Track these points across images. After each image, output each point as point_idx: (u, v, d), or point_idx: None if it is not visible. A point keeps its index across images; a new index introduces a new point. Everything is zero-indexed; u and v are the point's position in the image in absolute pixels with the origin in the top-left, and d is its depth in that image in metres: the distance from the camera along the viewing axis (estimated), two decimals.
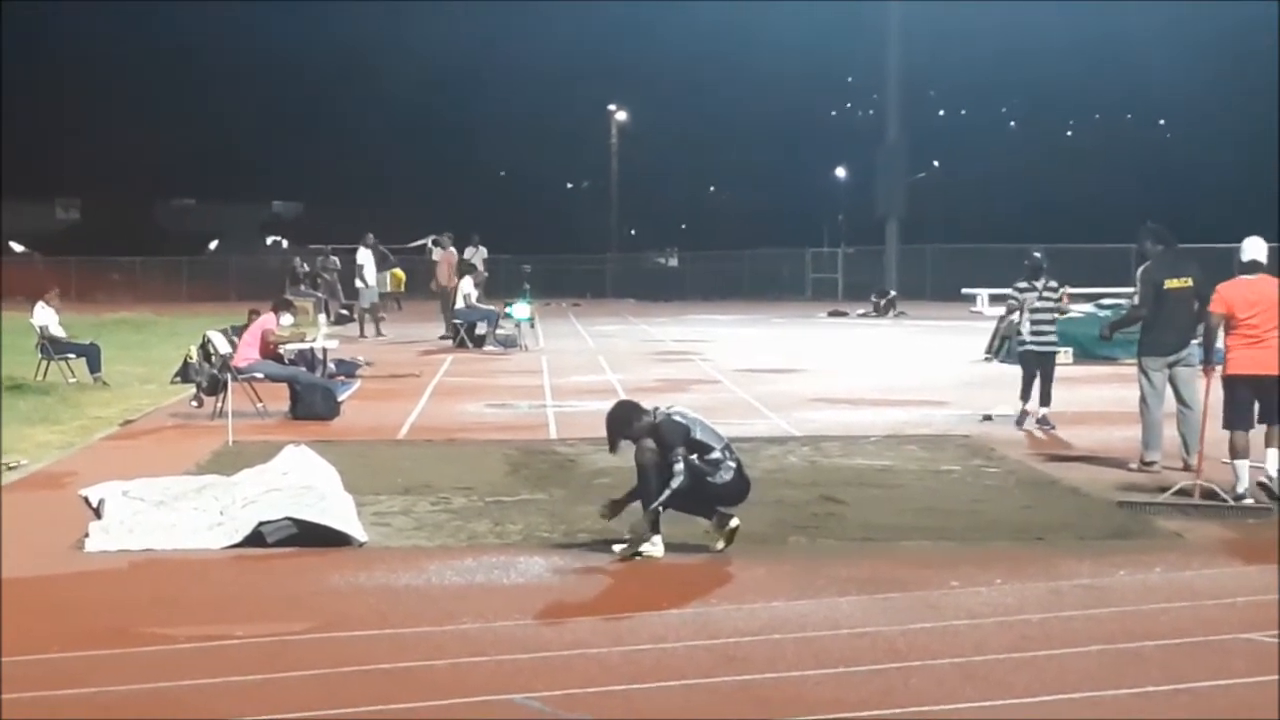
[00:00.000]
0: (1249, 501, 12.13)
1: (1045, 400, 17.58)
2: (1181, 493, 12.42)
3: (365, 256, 37.34)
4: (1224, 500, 12.08)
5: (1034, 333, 17.67)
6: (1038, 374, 17.55)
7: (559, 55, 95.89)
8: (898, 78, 62.99)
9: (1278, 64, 68.57)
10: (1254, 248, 12.74)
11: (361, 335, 35.31)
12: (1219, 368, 12.58)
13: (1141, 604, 8.83)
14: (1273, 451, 12.40)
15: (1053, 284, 17.67)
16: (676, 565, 9.93)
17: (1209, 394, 12.80)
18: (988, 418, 18.13)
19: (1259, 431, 12.45)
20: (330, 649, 7.92)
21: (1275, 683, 7.18)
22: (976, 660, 7.61)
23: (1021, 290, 17.76)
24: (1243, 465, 12.32)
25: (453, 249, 37.30)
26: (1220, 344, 12.62)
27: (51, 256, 68.65)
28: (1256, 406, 12.44)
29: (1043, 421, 17.43)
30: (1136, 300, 14.42)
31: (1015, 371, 20.16)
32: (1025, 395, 17.64)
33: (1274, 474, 12.36)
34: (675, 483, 9.91)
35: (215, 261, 78.00)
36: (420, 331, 35.74)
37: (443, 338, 34.41)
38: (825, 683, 7.23)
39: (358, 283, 37.43)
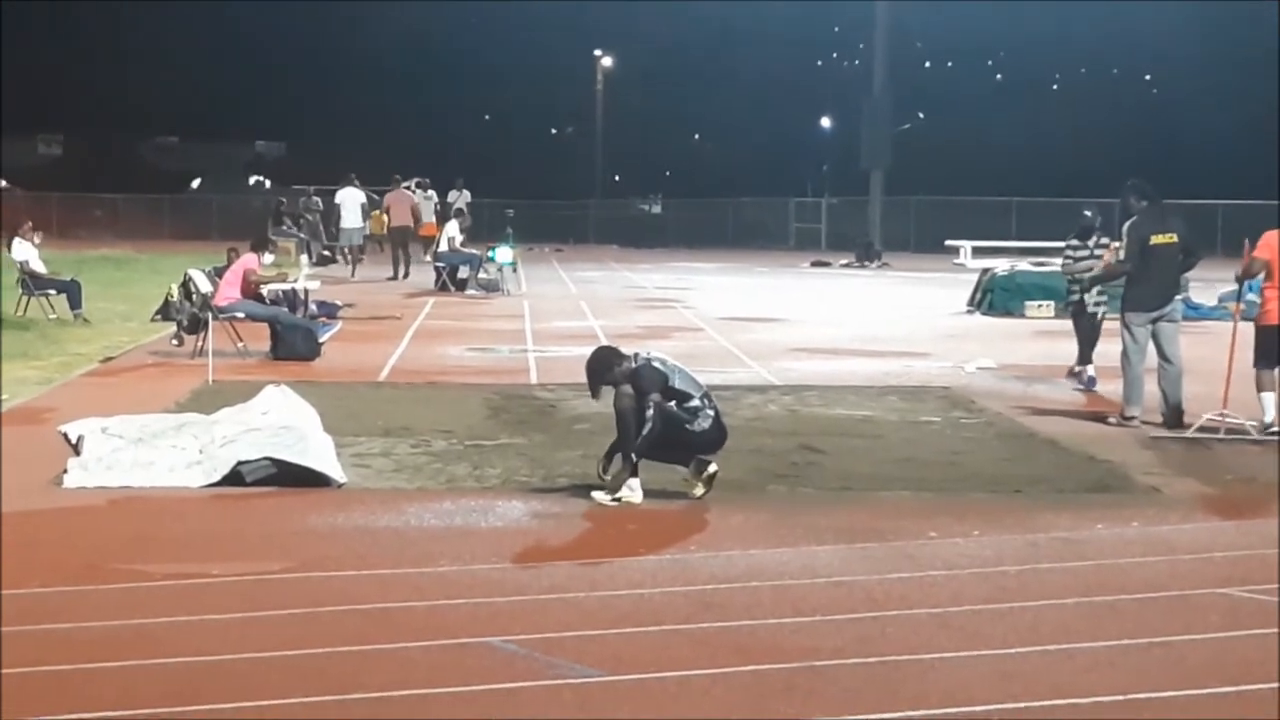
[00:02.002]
0: (1276, 430, 12.75)
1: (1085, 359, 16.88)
2: (1205, 429, 12.98)
3: (349, 196, 37.22)
4: (1249, 434, 12.71)
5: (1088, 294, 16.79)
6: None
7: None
8: (885, 28, 62.67)
9: (1277, 24, 68.28)
10: None
11: (352, 276, 35.34)
12: (1250, 314, 13.31)
13: (1118, 558, 8.86)
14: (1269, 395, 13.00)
15: (1104, 241, 17.00)
16: (655, 511, 9.94)
17: (1235, 333, 13.32)
18: (967, 370, 18.11)
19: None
20: (307, 589, 7.93)
21: (1247, 637, 7.22)
22: (953, 611, 7.63)
23: (1075, 248, 17.20)
24: (1269, 398, 12.96)
25: (408, 193, 37.18)
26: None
27: (33, 192, 68.18)
28: None
29: (1082, 379, 16.78)
30: (1121, 255, 14.41)
31: (996, 324, 20.18)
32: (1086, 357, 16.88)
33: (1269, 419, 12.94)
34: (646, 428, 9.91)
35: (197, 200, 77.57)
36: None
37: (390, 279, 34.62)
38: (802, 630, 7.24)
39: (344, 221, 37.35)
